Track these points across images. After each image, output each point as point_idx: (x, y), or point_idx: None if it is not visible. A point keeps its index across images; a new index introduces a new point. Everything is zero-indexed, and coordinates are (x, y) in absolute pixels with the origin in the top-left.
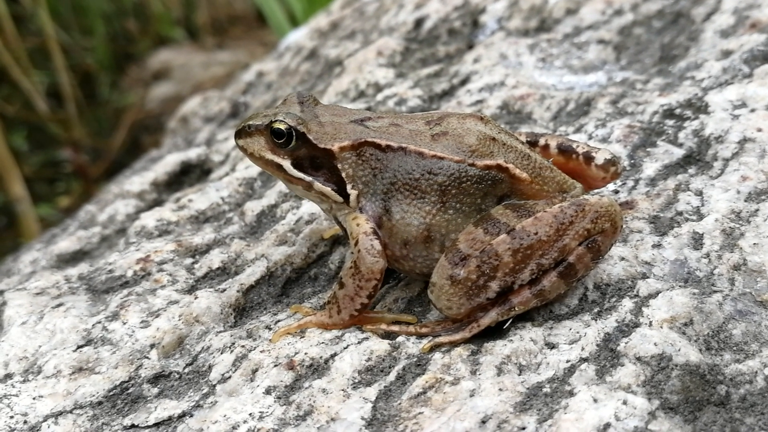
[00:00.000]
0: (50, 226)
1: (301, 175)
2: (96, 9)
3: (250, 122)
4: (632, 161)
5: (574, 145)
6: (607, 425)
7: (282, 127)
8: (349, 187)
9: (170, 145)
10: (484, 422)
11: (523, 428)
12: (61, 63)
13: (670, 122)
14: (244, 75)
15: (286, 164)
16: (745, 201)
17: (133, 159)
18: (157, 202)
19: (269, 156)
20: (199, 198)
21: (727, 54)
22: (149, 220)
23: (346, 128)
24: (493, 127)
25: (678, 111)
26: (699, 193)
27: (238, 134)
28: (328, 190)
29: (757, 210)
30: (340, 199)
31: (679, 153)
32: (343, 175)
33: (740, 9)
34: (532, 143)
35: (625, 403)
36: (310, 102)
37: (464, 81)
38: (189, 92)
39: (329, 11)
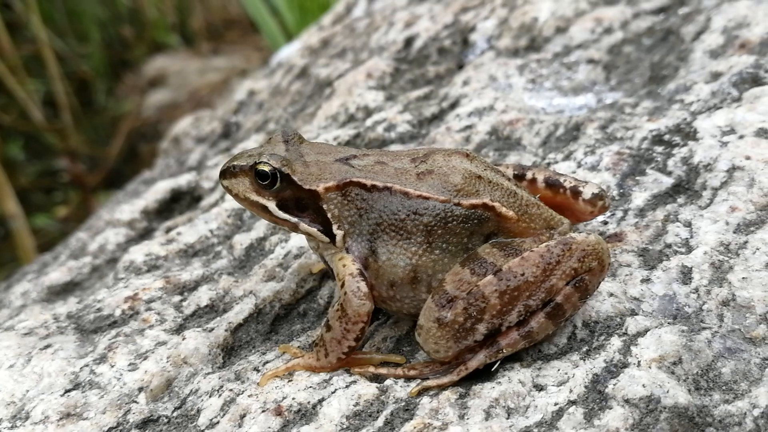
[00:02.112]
0: (48, 236)
1: (286, 216)
2: (91, 15)
3: (235, 163)
4: (621, 190)
5: (562, 179)
6: None
7: (266, 168)
8: (335, 227)
9: (162, 166)
10: None
11: None
12: (56, 71)
13: (659, 149)
14: (235, 94)
15: (271, 206)
16: (734, 233)
17: (130, 167)
18: (147, 231)
19: (254, 197)
20: (188, 231)
21: (716, 76)
22: (138, 255)
23: (332, 168)
24: (479, 164)
25: (667, 137)
26: (688, 224)
27: (223, 174)
28: (314, 230)
29: (746, 242)
30: (326, 239)
31: (668, 182)
32: (329, 215)
33: (729, 28)
34: (519, 176)
35: None
36: (295, 140)
37: (453, 104)
38: (185, 99)
39: (321, 26)
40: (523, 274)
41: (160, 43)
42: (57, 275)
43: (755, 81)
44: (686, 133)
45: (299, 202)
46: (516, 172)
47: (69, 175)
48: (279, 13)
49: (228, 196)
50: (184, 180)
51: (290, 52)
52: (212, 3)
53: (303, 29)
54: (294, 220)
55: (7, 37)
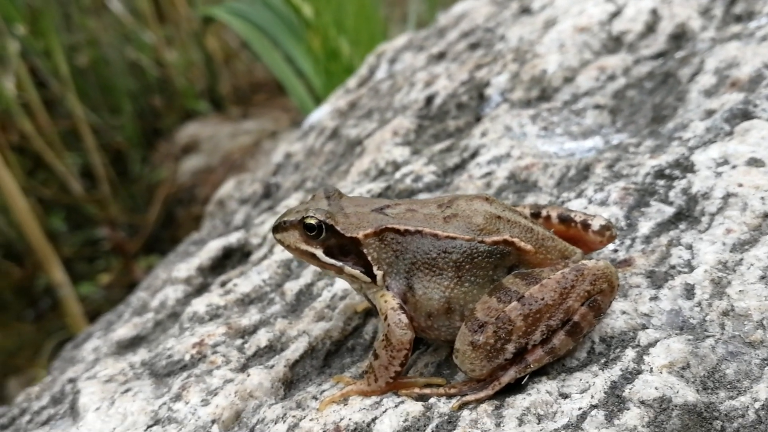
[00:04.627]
0: (93, 304)
1: (332, 261)
2: (122, 88)
3: (285, 219)
4: (629, 221)
5: (573, 215)
6: None
7: (313, 222)
8: (375, 268)
9: (209, 228)
10: None
11: None
12: (92, 143)
13: (661, 182)
14: (273, 157)
15: (319, 253)
16: (731, 252)
17: (169, 232)
18: (204, 286)
19: (303, 247)
20: (243, 282)
21: (710, 113)
22: (200, 306)
23: (369, 217)
24: (497, 206)
25: (667, 171)
26: (689, 247)
27: (275, 229)
28: (357, 272)
29: (742, 259)
30: (368, 279)
31: (670, 211)
32: (369, 258)
33: (721, 69)
34: (536, 215)
35: None
36: (336, 196)
37: (474, 154)
38: (218, 163)
39: (347, 89)
40: (543, 299)
41: (191, 110)
42: (124, 331)
43: (745, 115)
44: (685, 166)
45: (342, 248)
46: (532, 211)
47: (110, 243)
48: (306, 76)
49: (276, 249)
50: (234, 238)
51: (321, 115)
52: (238, 68)
53: (330, 91)
54: (339, 264)
55: (45, 114)
